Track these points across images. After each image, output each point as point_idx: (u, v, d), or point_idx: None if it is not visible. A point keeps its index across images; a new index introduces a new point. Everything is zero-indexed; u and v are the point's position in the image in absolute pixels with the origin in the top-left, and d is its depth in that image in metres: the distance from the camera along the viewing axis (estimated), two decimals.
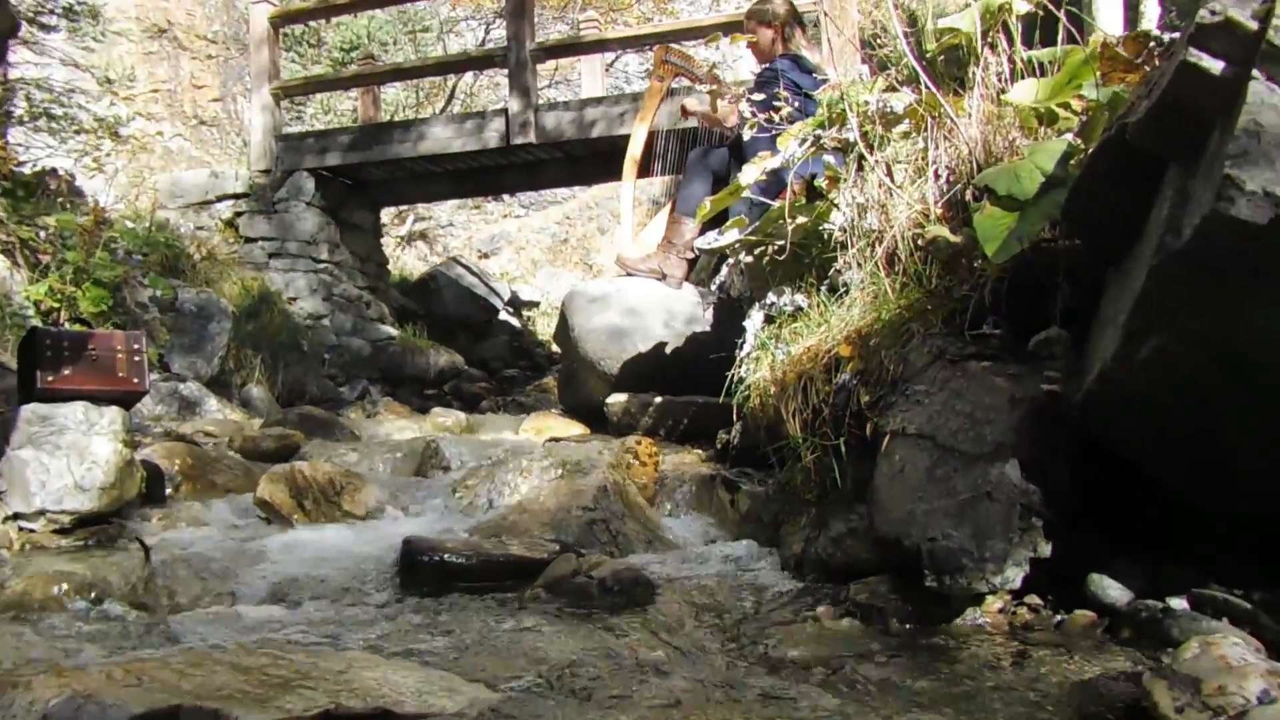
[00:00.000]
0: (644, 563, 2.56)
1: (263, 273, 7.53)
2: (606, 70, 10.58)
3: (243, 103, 12.57)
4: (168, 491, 3.45)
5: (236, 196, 7.90)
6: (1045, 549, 1.81)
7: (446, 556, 2.33)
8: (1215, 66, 1.58)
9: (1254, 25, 1.57)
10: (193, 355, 6.17)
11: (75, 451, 2.83)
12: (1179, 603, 1.73)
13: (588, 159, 7.46)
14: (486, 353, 9.80)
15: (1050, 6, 2.93)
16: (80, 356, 2.96)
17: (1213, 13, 1.60)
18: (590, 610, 1.98)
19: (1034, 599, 1.91)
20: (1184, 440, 1.78)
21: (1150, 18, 7.90)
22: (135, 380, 3.08)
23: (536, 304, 11.77)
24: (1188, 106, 1.64)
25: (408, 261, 12.91)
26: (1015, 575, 1.79)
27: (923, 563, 1.83)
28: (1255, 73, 1.52)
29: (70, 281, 5.37)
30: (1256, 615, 1.62)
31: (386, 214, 11.37)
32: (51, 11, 10.80)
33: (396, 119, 11.46)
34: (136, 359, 3.09)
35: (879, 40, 3.90)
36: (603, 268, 14.54)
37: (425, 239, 14.45)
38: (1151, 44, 2.23)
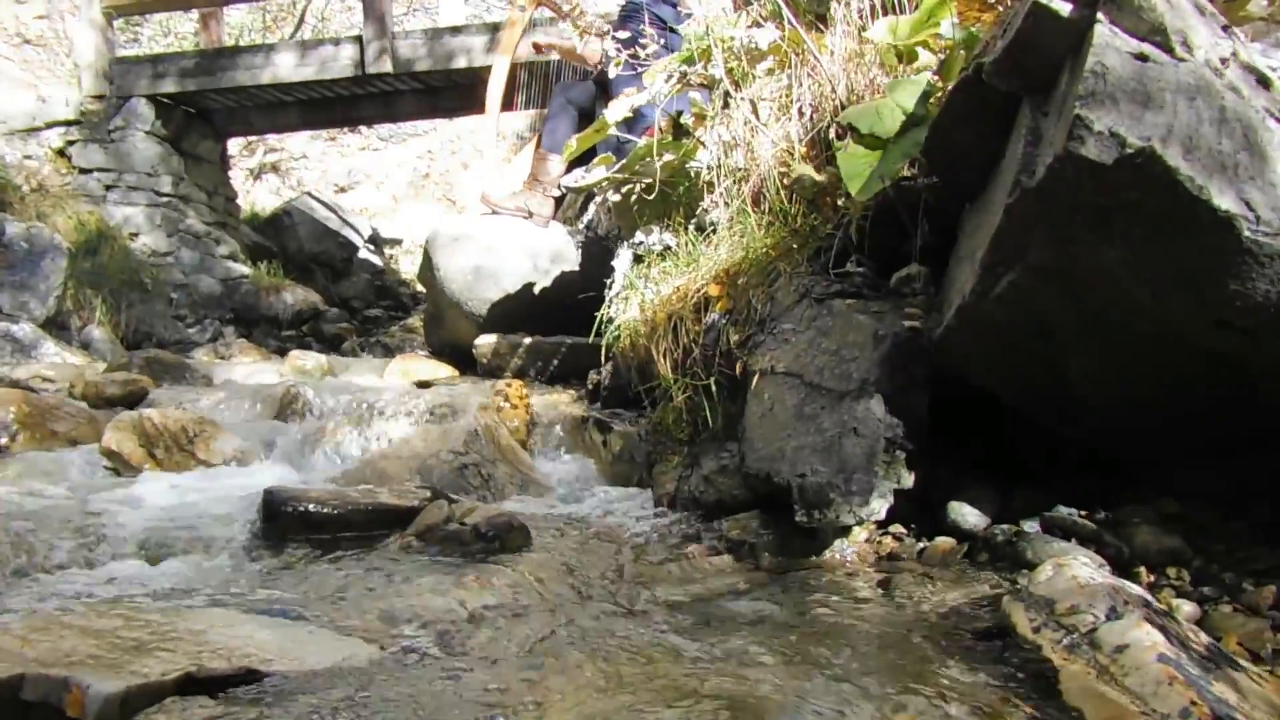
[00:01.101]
0: (518, 507, 2.54)
1: (100, 206, 7.06)
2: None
3: (71, 21, 11.63)
4: (3, 442, 3.23)
5: (67, 123, 7.34)
6: (908, 480, 1.88)
7: (310, 506, 2.25)
8: (1064, 8, 1.63)
9: None
10: (24, 294, 5.78)
11: None
12: (1031, 525, 1.83)
13: (447, 90, 7.23)
14: (347, 292, 9.50)
15: None
16: None
17: None
18: (464, 558, 1.95)
19: (898, 528, 1.98)
20: (1036, 371, 1.87)
21: None
22: None
23: (399, 241, 11.45)
24: (1039, 47, 1.68)
25: (260, 196, 12.33)
26: (880, 507, 1.86)
27: (793, 498, 1.87)
28: (1100, 16, 1.58)
29: None
30: (1100, 534, 1.73)
31: (235, 145, 10.79)
32: None
33: (242, 44, 10.83)
34: None
35: None
36: (466, 204, 14.22)
37: (277, 172, 13.81)
38: None
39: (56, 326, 5.75)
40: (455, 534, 2.07)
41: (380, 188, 14.82)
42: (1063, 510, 1.86)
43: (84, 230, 6.58)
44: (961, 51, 2.27)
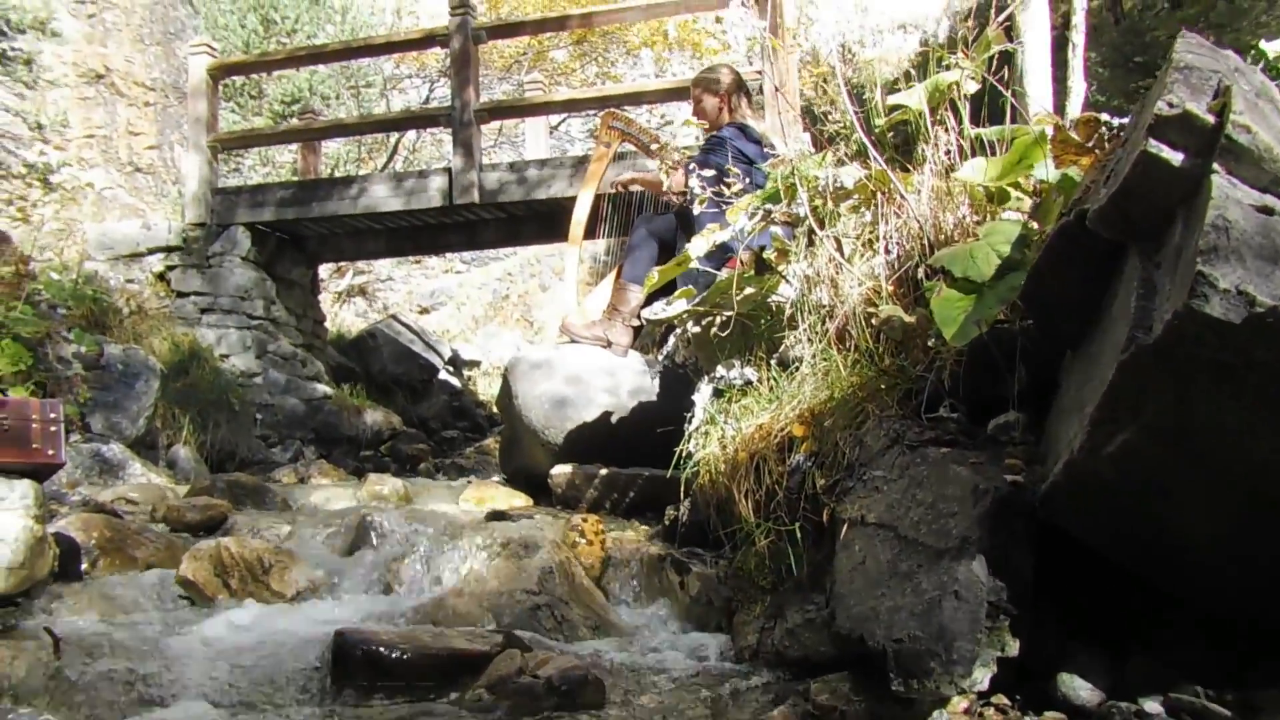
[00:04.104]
0: (592, 652, 2.44)
1: (194, 328, 7.31)
2: (551, 132, 10.61)
3: (180, 151, 12.33)
4: (84, 567, 3.24)
5: (169, 249, 7.69)
6: (1013, 648, 1.75)
7: (381, 650, 2.19)
8: (1175, 158, 1.57)
9: (1211, 119, 1.56)
10: (117, 415, 5.92)
11: None
12: (1153, 706, 1.67)
13: (529, 219, 7.41)
14: (425, 412, 9.61)
15: (997, 85, 2.96)
16: None
17: (1170, 105, 1.59)
18: (536, 715, 1.86)
19: (1001, 699, 1.83)
20: (1150, 532, 1.74)
21: (1078, 93, 8.16)
22: (50, 452, 2.90)
23: (477, 363, 11.62)
24: (1148, 196, 1.62)
25: (346, 318, 12.69)
26: (983, 676, 1.72)
27: (888, 665, 1.75)
28: (1216, 166, 1.51)
29: None
30: None
31: (325, 268, 11.18)
32: None
33: (338, 174, 11.35)
34: (53, 429, 2.91)
35: (828, 115, 3.92)
36: (544, 324, 14.46)
37: (364, 294, 14.25)
38: (1103, 128, 2.24)
39: (144, 446, 5.87)
40: (528, 688, 1.98)
41: (462, 309, 15.19)
42: (1187, 689, 1.70)
43: (178, 351, 6.79)
44: (1058, 196, 2.22)
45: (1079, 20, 7.34)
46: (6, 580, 2.66)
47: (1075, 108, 6.83)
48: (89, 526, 3.35)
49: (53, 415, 2.91)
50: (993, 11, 2.81)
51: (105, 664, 2.24)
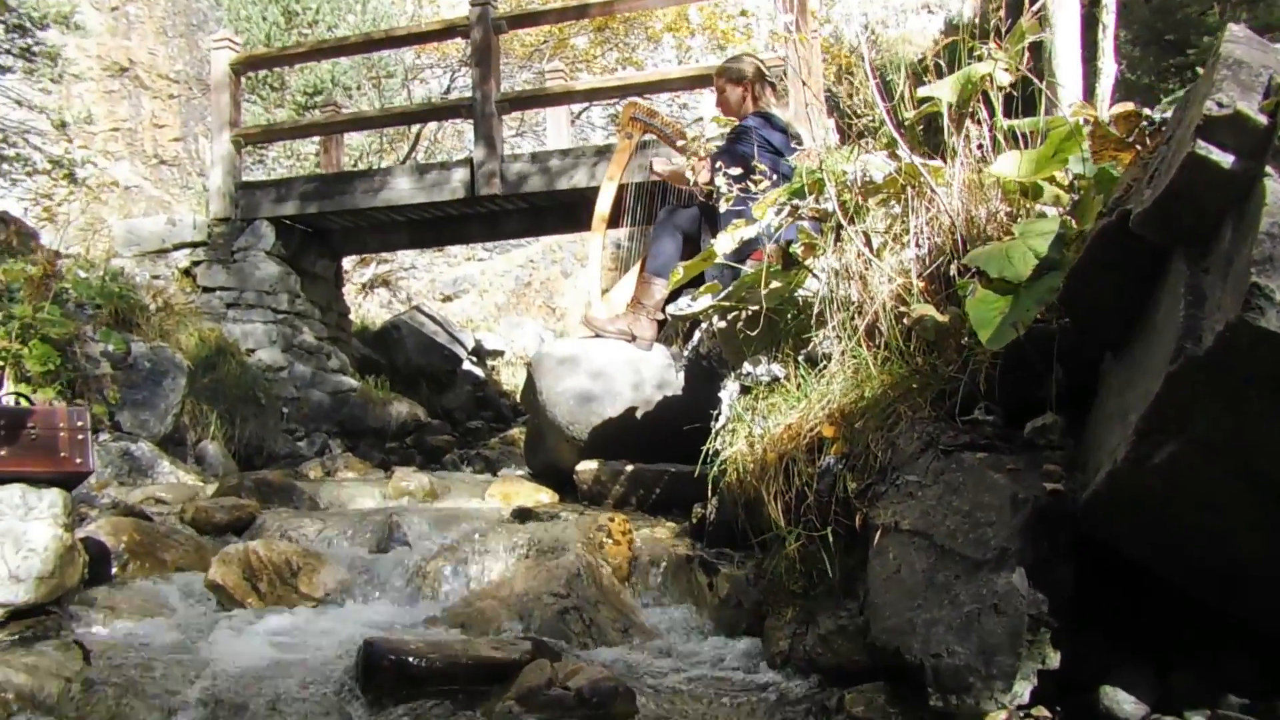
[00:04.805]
0: (621, 658, 2.42)
1: (220, 323, 7.33)
2: (573, 121, 10.54)
3: (204, 142, 12.39)
4: (114, 571, 3.25)
5: (194, 245, 7.71)
6: (1054, 660, 1.71)
7: (410, 659, 2.17)
8: (1225, 160, 1.51)
9: (1263, 120, 1.50)
10: (145, 412, 5.94)
11: (10, 539, 2.64)
12: None
13: (551, 209, 7.38)
14: (450, 403, 9.63)
15: (1029, 75, 2.89)
16: (18, 436, 2.78)
17: (1220, 105, 1.53)
18: None
19: (1041, 710, 1.79)
20: (1196, 545, 1.69)
21: (1108, 74, 7.99)
22: (79, 460, 2.90)
23: (501, 353, 11.62)
24: (1196, 199, 1.56)
25: (370, 309, 12.73)
26: (1024, 690, 1.69)
27: (926, 679, 1.72)
28: (1269, 170, 1.45)
29: (17, 338, 5.14)
30: None
31: (349, 261, 11.20)
32: (8, 52, 10.55)
33: (360, 165, 11.36)
34: (80, 437, 2.91)
35: (854, 109, 3.85)
36: (566, 311, 14.46)
37: (388, 285, 14.28)
38: (1143, 123, 2.17)
39: (173, 443, 5.90)
40: (558, 700, 1.96)
41: (484, 296, 15.21)
42: (1234, 702, 1.66)
43: (204, 347, 6.81)
44: (1097, 194, 2.16)
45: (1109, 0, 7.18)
46: (37, 590, 2.66)
47: (1106, 90, 6.69)
48: (118, 530, 3.36)
49: (80, 423, 2.91)
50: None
51: (134, 672, 2.25)
